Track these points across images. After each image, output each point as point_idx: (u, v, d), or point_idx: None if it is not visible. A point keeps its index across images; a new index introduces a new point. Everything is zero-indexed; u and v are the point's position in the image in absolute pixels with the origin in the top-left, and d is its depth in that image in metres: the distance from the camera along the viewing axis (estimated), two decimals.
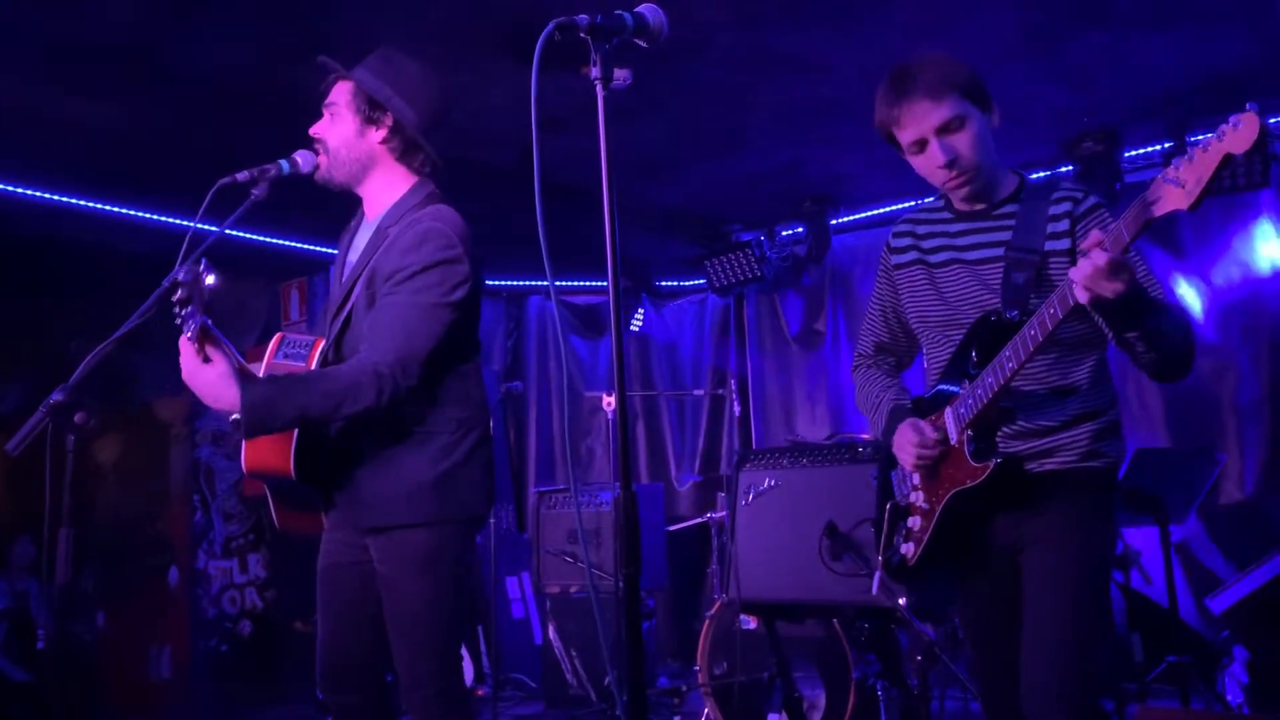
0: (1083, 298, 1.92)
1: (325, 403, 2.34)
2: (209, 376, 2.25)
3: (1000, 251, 2.28)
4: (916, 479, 2.39)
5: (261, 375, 2.40)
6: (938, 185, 2.35)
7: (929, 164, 2.29)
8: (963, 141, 2.23)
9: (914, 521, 2.39)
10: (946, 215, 2.42)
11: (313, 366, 2.49)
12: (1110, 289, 1.88)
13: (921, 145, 2.27)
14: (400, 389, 2.37)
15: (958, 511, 2.27)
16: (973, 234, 2.35)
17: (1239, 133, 1.68)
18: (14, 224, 5.74)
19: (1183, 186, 1.75)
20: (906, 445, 2.35)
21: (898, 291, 2.52)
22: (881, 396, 2.55)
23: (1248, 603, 4.57)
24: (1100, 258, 1.86)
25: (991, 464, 2.19)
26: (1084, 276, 1.89)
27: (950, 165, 2.25)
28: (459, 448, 2.52)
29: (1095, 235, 1.91)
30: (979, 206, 2.36)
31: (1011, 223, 2.29)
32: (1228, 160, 1.70)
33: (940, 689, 4.35)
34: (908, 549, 2.39)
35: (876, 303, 2.61)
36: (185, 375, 2.28)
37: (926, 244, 2.44)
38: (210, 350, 2.26)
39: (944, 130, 2.23)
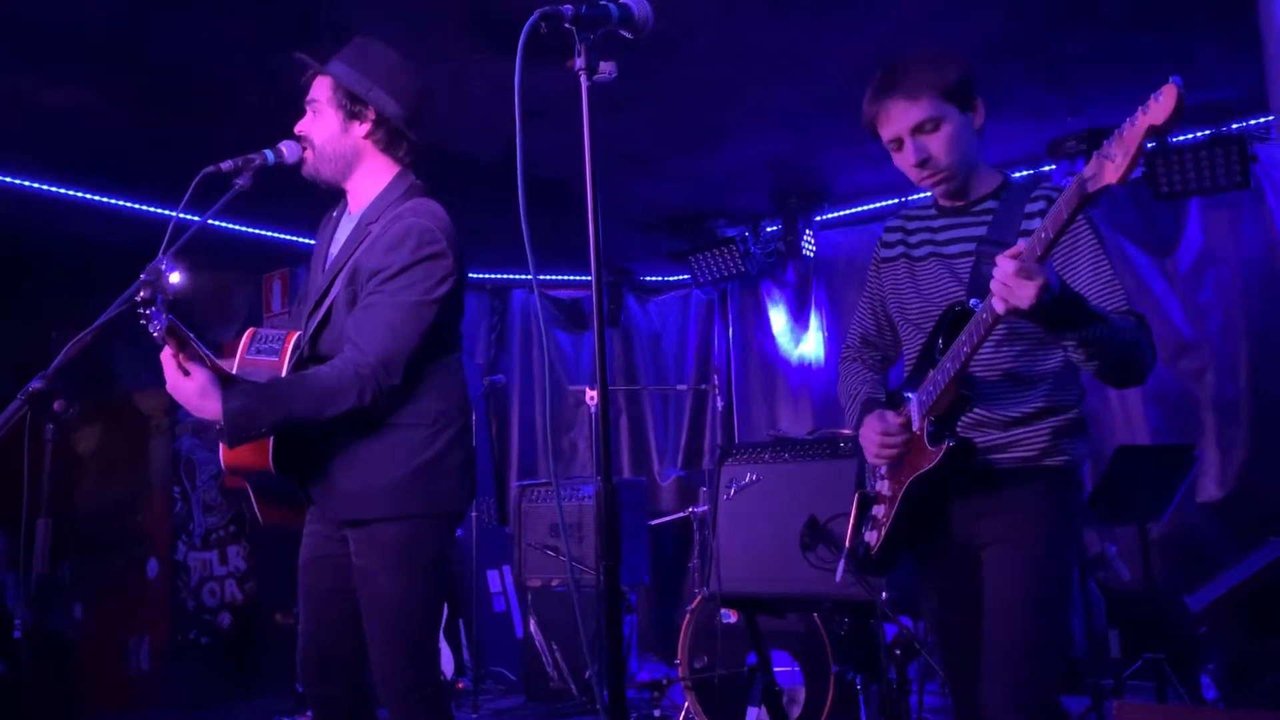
0: (999, 308, 1.95)
1: (307, 406, 2.34)
2: (190, 388, 2.27)
3: (974, 246, 2.32)
4: (883, 469, 2.42)
5: (234, 372, 2.39)
6: (915, 182, 2.40)
7: (905, 162, 2.35)
8: (936, 142, 2.29)
9: (878, 510, 2.43)
10: (932, 212, 2.47)
11: (285, 361, 2.47)
12: (1024, 296, 1.89)
13: (899, 144, 2.33)
14: (383, 388, 2.37)
15: (918, 498, 2.29)
16: (952, 229, 2.40)
17: (1160, 104, 1.72)
18: None
19: (1113, 161, 1.79)
20: (870, 434, 2.39)
21: (884, 286, 2.56)
22: (859, 390, 2.59)
23: (1225, 600, 4.60)
24: (1007, 265, 1.90)
25: (944, 446, 2.21)
26: (997, 284, 1.93)
27: (922, 165, 2.31)
28: (437, 441, 2.51)
29: (1002, 258, 1.94)
30: (959, 203, 2.40)
31: (989, 219, 2.33)
32: (1151, 131, 1.74)
33: (919, 683, 4.37)
34: (871, 537, 2.42)
35: (866, 297, 2.66)
36: (169, 387, 2.31)
37: (913, 239, 2.49)
38: (187, 362, 2.27)
39: (918, 130, 2.28)
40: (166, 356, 2.26)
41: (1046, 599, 2.21)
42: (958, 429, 2.27)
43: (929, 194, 2.48)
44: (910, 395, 2.36)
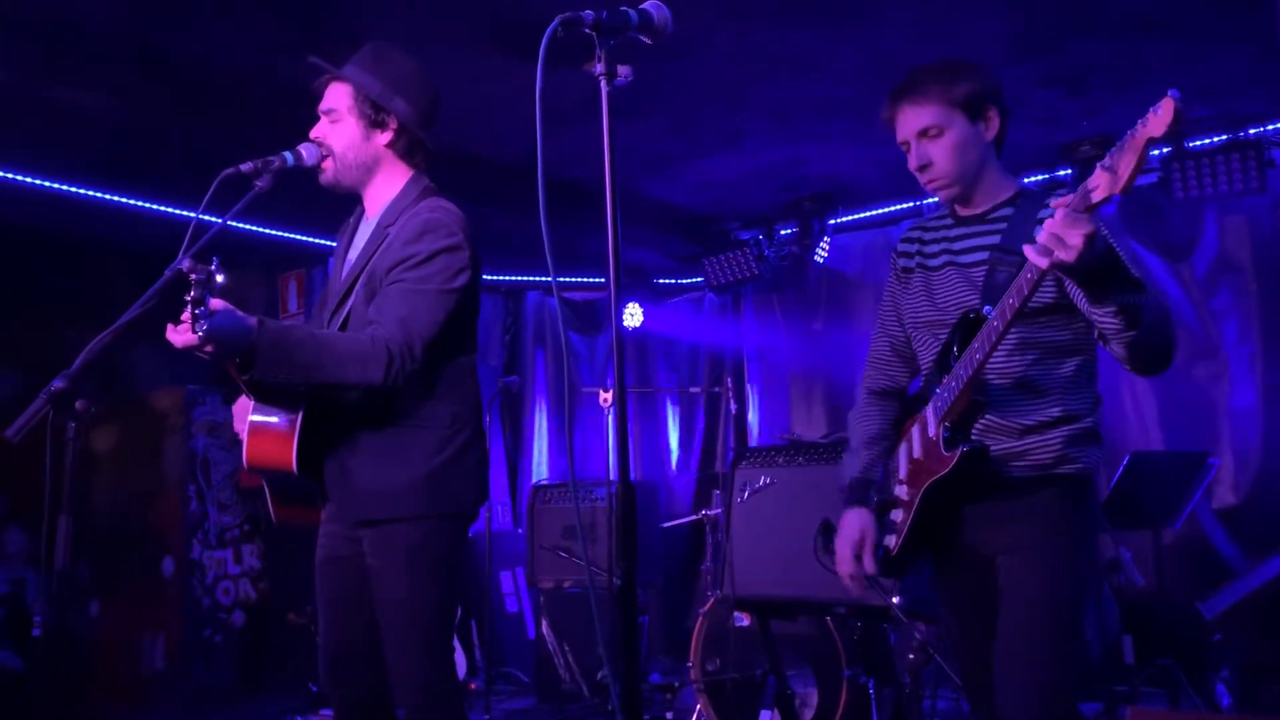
0: (1043, 262, 1.91)
1: (335, 361, 2.33)
2: (222, 315, 2.16)
3: (988, 254, 2.34)
4: (902, 473, 2.43)
5: None
6: (922, 186, 2.43)
7: (910, 166, 2.40)
8: (937, 150, 2.33)
9: (897, 514, 2.44)
10: (948, 221, 2.49)
11: None
12: (1073, 245, 1.85)
13: (907, 147, 2.39)
14: (405, 368, 2.38)
15: (935, 503, 2.31)
16: (967, 238, 2.41)
17: (1158, 117, 1.77)
18: (9, 212, 5.74)
19: (1115, 172, 1.82)
20: (847, 538, 2.44)
21: (901, 298, 2.56)
22: (860, 453, 2.57)
23: (1239, 607, 4.59)
24: (1057, 213, 1.88)
25: (959, 452, 2.23)
26: (1044, 237, 1.89)
27: (922, 170, 2.36)
28: (451, 443, 2.52)
29: (1055, 201, 1.93)
30: (976, 211, 2.42)
31: (1003, 226, 2.35)
32: (1151, 143, 1.79)
33: (932, 688, 4.36)
34: (890, 540, 2.43)
35: (887, 311, 2.62)
36: (202, 332, 2.10)
37: (930, 248, 2.51)
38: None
39: (922, 136, 2.34)
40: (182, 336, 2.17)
41: (1063, 609, 2.22)
42: (973, 436, 2.28)
43: (936, 200, 2.50)
44: (933, 379, 2.37)
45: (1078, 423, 2.29)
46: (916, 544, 2.38)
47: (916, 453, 2.39)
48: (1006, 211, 2.36)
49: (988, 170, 2.38)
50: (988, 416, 2.28)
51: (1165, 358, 2.14)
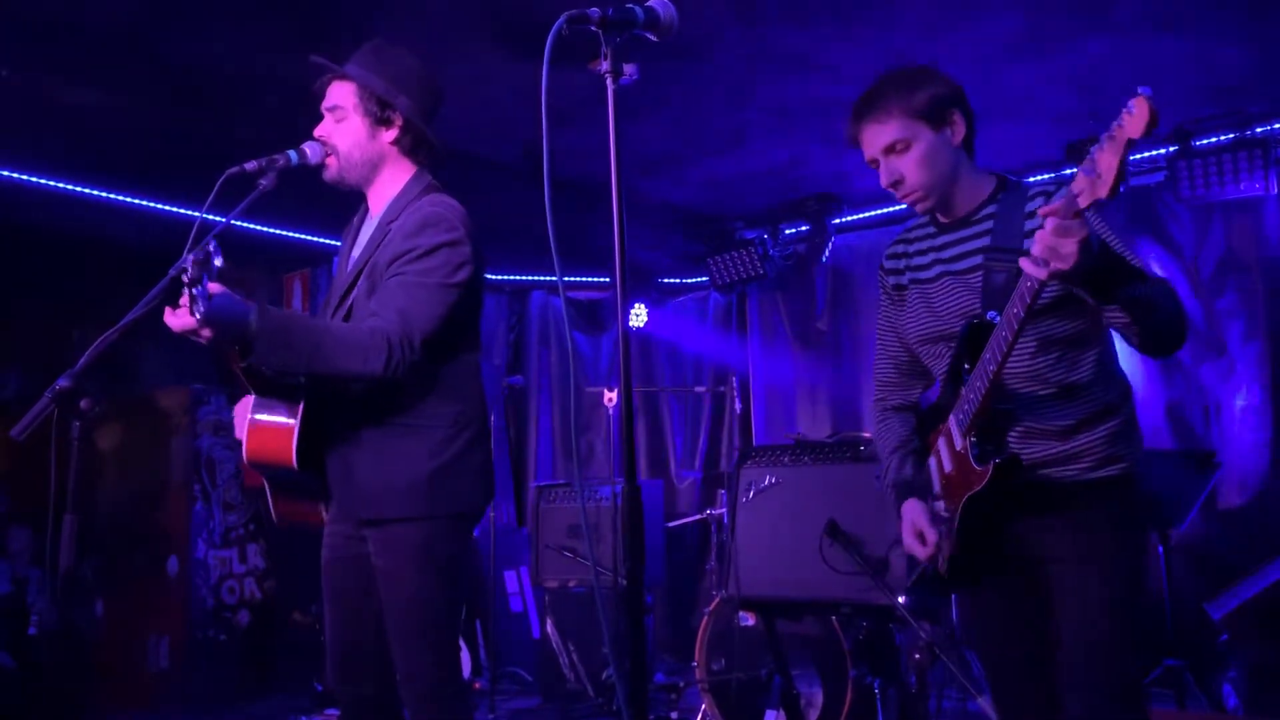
0: (1042, 274, 1.88)
1: (335, 350, 2.32)
2: (220, 297, 2.14)
3: (981, 257, 2.30)
4: (938, 488, 2.38)
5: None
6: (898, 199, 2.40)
7: (882, 182, 2.37)
8: (906, 164, 2.30)
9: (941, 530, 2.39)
10: (932, 229, 2.45)
11: None
12: (1068, 254, 1.83)
13: (876, 164, 2.37)
14: (406, 362, 2.37)
15: (975, 517, 2.25)
16: (956, 244, 2.37)
17: (1134, 118, 1.74)
18: (13, 211, 5.74)
19: (1099, 176, 1.78)
20: (909, 527, 2.40)
21: (897, 314, 2.53)
22: (889, 460, 2.56)
23: (1246, 608, 4.57)
24: (1046, 223, 1.84)
25: (991, 464, 2.17)
26: (1039, 249, 1.86)
27: (895, 186, 2.33)
28: (455, 442, 2.52)
29: (1042, 209, 1.88)
30: (958, 216, 2.37)
31: (990, 225, 2.30)
32: (1130, 145, 1.75)
33: (938, 688, 4.35)
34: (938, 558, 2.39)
35: (885, 329, 2.60)
36: (199, 316, 2.08)
37: (917, 260, 2.46)
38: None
39: (889, 152, 2.31)
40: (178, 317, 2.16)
41: (1124, 610, 2.19)
42: (1010, 445, 2.23)
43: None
44: (946, 412, 2.33)
45: (1117, 416, 2.25)
46: (964, 558, 2.33)
47: (947, 467, 2.33)
48: (991, 210, 2.32)
49: (962, 174, 2.33)
50: (1025, 422, 2.24)
51: (1179, 337, 2.12)
